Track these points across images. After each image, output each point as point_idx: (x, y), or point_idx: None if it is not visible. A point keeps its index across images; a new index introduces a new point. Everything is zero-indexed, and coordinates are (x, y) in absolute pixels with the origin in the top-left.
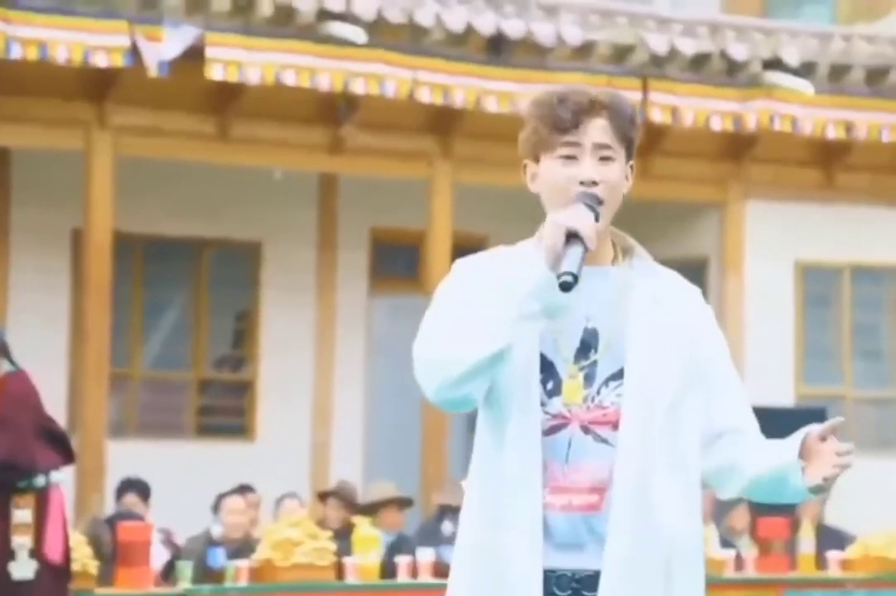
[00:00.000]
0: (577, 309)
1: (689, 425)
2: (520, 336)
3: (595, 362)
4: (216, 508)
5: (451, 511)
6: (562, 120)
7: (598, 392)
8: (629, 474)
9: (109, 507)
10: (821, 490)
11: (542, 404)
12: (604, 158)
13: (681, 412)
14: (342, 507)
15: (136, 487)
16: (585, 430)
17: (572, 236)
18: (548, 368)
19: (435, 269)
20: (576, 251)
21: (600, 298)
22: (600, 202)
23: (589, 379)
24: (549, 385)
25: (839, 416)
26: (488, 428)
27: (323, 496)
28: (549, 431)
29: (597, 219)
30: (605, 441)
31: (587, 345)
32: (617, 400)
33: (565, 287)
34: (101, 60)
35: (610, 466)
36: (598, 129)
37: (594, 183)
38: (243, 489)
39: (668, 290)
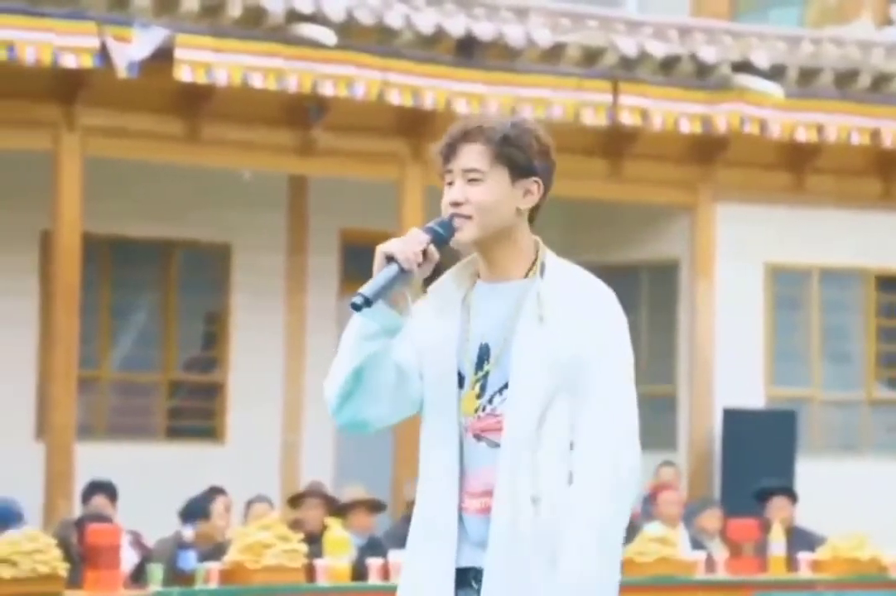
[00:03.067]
0: (479, 325)
1: (560, 433)
2: (369, 355)
3: (487, 373)
4: (196, 513)
5: None
6: (440, 151)
7: (491, 401)
8: (505, 479)
9: (78, 509)
10: None
11: None
12: (471, 180)
13: (551, 422)
14: (321, 505)
15: (104, 489)
16: (478, 437)
17: (390, 259)
18: (462, 381)
19: None
20: (386, 273)
21: (496, 314)
22: (467, 217)
23: (483, 389)
24: (460, 395)
25: (809, 418)
26: (423, 433)
27: (295, 500)
28: None
29: (443, 239)
30: (498, 446)
31: (481, 359)
32: None
33: (354, 307)
34: (69, 61)
35: None
36: (468, 154)
37: (458, 204)
38: (214, 492)
39: (560, 304)
